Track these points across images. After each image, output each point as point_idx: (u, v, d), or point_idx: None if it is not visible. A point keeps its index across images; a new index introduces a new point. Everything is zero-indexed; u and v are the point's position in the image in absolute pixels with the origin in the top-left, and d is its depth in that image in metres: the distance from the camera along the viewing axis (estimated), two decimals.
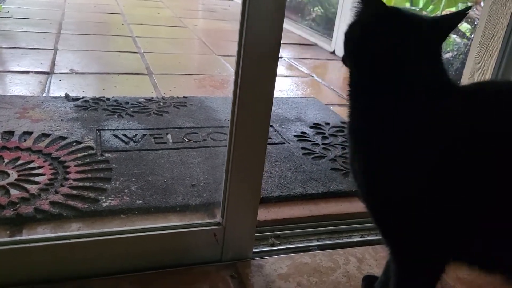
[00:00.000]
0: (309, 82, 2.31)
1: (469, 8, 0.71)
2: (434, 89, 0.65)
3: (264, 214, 1.14)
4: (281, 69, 2.52)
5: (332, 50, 2.98)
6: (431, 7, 2.87)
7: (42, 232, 0.98)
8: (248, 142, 0.90)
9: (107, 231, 0.90)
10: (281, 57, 2.75)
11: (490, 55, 1.14)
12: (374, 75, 0.68)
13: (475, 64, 1.20)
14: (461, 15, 0.68)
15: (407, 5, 2.96)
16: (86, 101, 1.68)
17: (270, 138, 1.55)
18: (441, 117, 0.64)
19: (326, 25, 3.38)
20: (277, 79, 2.30)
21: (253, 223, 0.97)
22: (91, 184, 1.16)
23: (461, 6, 2.44)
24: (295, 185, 1.26)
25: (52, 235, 0.92)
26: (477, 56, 1.18)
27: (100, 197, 1.10)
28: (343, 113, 1.87)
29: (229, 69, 2.32)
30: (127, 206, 1.09)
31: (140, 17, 3.49)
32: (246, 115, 0.88)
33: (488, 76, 1.15)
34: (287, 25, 3.69)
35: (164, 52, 2.54)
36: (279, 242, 1.07)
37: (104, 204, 1.08)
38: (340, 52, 2.91)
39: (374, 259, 1.02)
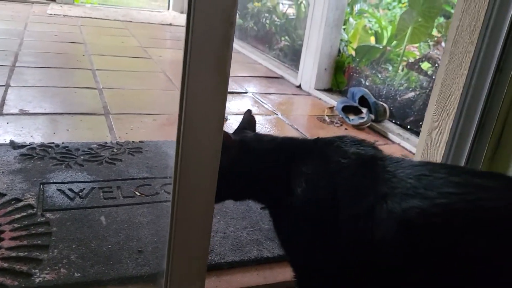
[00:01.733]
0: (273, 120, 2.26)
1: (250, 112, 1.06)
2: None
3: (215, 283, 1.06)
4: (246, 105, 2.46)
5: (298, 84, 2.96)
6: (394, 42, 2.89)
7: None
8: (194, 199, 0.82)
9: None
10: (247, 92, 2.71)
11: (447, 114, 1.12)
12: None
13: (432, 122, 1.17)
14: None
15: (372, 40, 2.98)
16: (32, 148, 1.58)
17: None
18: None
19: (293, 57, 3.36)
20: (241, 118, 2.21)
21: None
22: (26, 253, 1.06)
23: (422, 45, 2.46)
24: (250, 247, 1.19)
25: None
26: (435, 114, 1.15)
27: (34, 270, 1.00)
28: None
29: None
30: (64, 281, 0.99)
31: (103, 47, 3.40)
32: (192, 164, 0.79)
33: (445, 135, 1.12)
34: (255, 56, 3.67)
35: (124, 88, 2.46)
36: None
37: (37, 280, 0.98)
38: (306, 86, 2.89)
39: None
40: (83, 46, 3.30)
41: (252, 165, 0.90)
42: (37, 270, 1.01)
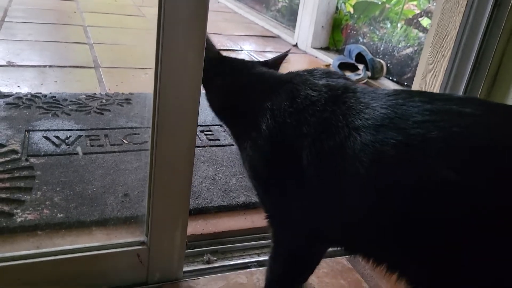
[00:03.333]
0: None
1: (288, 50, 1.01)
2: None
3: (202, 226, 1.05)
4: None
5: (294, 43, 2.89)
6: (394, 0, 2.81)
7: None
8: (173, 145, 0.79)
9: (9, 255, 0.78)
10: (242, 50, 2.65)
11: (443, 55, 1.07)
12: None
13: (427, 65, 1.13)
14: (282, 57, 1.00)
15: None
16: (19, 97, 1.54)
17: (218, 140, 1.45)
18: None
19: (290, 17, 3.28)
20: None
21: (182, 240, 0.87)
22: (8, 195, 1.04)
23: (422, 1, 2.39)
24: (238, 193, 1.17)
25: None
26: (430, 56, 1.11)
27: (15, 210, 0.99)
28: None
29: None
30: (46, 221, 0.97)
31: (95, 4, 3.31)
32: (169, 113, 0.76)
33: (440, 78, 1.08)
34: (251, 16, 3.58)
35: (115, 43, 2.40)
36: (215, 259, 0.98)
37: (18, 219, 0.96)
38: (303, 45, 2.83)
39: (316, 276, 0.94)
40: (75, 4, 3.22)
41: (228, 89, 0.86)
42: (19, 211, 0.99)
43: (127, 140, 1.37)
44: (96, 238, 0.96)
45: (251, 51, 2.65)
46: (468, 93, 1.04)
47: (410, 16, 2.54)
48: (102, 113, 1.52)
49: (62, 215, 1.00)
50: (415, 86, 1.16)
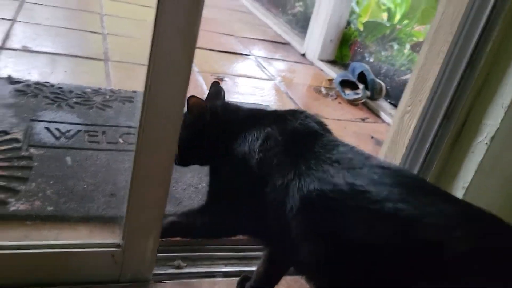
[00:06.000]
0: (270, 87, 2.29)
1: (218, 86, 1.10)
2: None
3: None
4: (246, 68, 2.49)
5: (303, 52, 2.96)
6: (405, 21, 2.86)
7: None
8: (154, 151, 0.88)
9: None
10: (250, 55, 2.72)
11: (420, 100, 1.15)
12: None
13: (406, 106, 1.20)
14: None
15: (385, 16, 2.95)
16: (28, 85, 1.64)
17: None
18: None
19: (304, 23, 3.32)
20: (240, 79, 2.32)
21: (155, 245, 0.96)
22: (5, 183, 1.13)
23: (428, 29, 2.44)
24: None
25: None
26: (410, 98, 1.18)
27: (10, 199, 1.08)
28: None
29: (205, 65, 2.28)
30: (36, 212, 1.07)
31: None
32: (155, 117, 0.85)
33: (415, 120, 1.16)
34: (266, 18, 3.64)
35: (127, 36, 2.48)
36: (185, 265, 1.07)
37: (11, 208, 1.06)
38: (310, 55, 2.89)
39: None
40: None
41: (215, 132, 0.96)
42: (13, 200, 1.08)
43: (122, 140, 1.46)
44: (79, 234, 1.05)
45: (259, 57, 2.72)
46: (438, 138, 1.11)
47: (421, 39, 2.60)
48: (103, 109, 1.61)
49: (51, 208, 1.09)
50: (393, 127, 1.23)
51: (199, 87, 2.04)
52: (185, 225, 1.00)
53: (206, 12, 0.79)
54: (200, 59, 2.39)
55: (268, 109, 1.04)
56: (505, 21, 0.98)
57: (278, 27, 3.42)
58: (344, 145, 0.82)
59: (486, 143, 0.99)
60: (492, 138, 0.97)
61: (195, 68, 2.26)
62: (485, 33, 0.98)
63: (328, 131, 0.91)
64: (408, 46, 2.72)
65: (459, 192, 1.03)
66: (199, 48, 2.54)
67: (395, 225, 0.66)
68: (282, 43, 3.13)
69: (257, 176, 0.83)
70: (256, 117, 0.95)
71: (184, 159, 1.00)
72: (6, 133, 1.33)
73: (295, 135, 0.85)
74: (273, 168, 0.81)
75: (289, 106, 2.08)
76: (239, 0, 4.12)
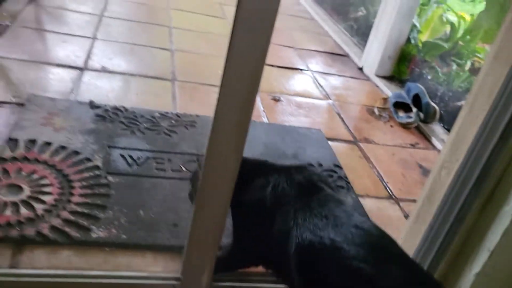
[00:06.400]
0: (324, 108, 2.39)
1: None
2: None
3: None
4: (302, 85, 2.60)
5: (360, 66, 3.01)
6: (468, 37, 2.83)
7: (38, 257, 1.18)
8: (216, 188, 1.01)
9: (62, 273, 1.09)
10: (307, 70, 2.83)
11: (457, 159, 1.23)
12: None
13: (444, 161, 1.28)
14: None
15: (448, 29, 2.92)
16: (106, 110, 1.86)
17: None
18: None
19: (365, 30, 3.30)
20: (295, 99, 2.49)
21: (209, 277, 1.14)
22: (89, 211, 1.35)
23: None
24: None
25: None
26: (446, 156, 1.27)
27: (92, 226, 1.30)
28: (340, 152, 1.98)
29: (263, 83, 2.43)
30: (113, 240, 1.28)
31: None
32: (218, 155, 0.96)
33: (451, 177, 1.24)
34: (326, 25, 3.70)
35: (194, 52, 2.67)
36: None
37: (94, 235, 1.27)
38: (367, 70, 2.94)
39: None
40: None
41: None
42: (94, 227, 1.30)
43: (184, 167, 1.64)
44: (146, 260, 1.25)
45: (315, 71, 2.81)
46: (470, 198, 1.19)
47: (482, 61, 2.58)
48: (170, 135, 1.80)
49: (125, 236, 1.30)
50: (430, 179, 1.31)
51: (255, 109, 2.18)
52: (225, 259, 1.21)
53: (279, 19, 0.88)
54: (271, 82, 2.53)
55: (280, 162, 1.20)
56: None
57: (338, 36, 3.48)
58: (335, 201, 1.06)
59: None
60: None
61: None
62: None
63: (327, 184, 1.13)
64: (469, 64, 2.70)
65: (484, 254, 1.12)
66: (274, 65, 2.68)
67: (358, 281, 0.90)
68: (340, 55, 3.20)
69: (268, 218, 1.07)
70: (265, 170, 1.14)
71: None
72: (89, 160, 1.56)
73: (298, 188, 1.08)
74: (278, 215, 1.05)
75: (339, 129, 2.19)
76: (301, 5, 4.20)
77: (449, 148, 1.27)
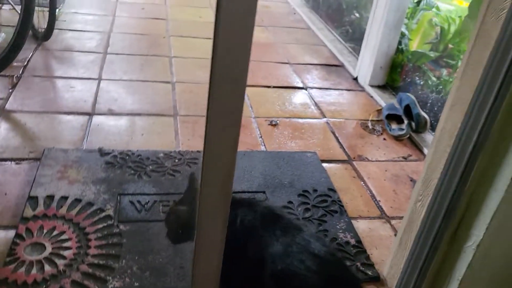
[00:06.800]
0: (319, 127, 2.52)
1: None
2: None
3: None
4: (299, 105, 2.72)
5: (355, 76, 3.12)
6: (458, 39, 2.91)
7: None
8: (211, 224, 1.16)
9: None
10: (304, 88, 2.94)
11: (428, 194, 1.35)
12: None
13: (418, 195, 1.41)
14: None
15: (438, 30, 3.00)
16: (115, 156, 2.03)
17: None
18: None
19: (359, 35, 3.37)
20: (291, 122, 2.68)
21: None
22: (104, 262, 1.52)
23: None
24: None
25: None
26: (420, 189, 1.39)
27: (108, 277, 1.47)
28: (335, 174, 2.11)
29: (260, 107, 2.57)
30: None
31: (183, 24, 3.73)
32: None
33: (424, 209, 1.37)
34: (321, 34, 3.80)
35: (194, 82, 2.81)
36: None
37: (110, 286, 1.44)
38: (362, 80, 3.05)
39: None
40: (165, 24, 3.66)
41: None
42: (110, 277, 1.47)
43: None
44: None
45: (311, 88, 2.93)
46: (440, 232, 1.32)
47: None
48: (174, 175, 1.96)
49: (137, 284, 1.46)
50: (407, 212, 1.44)
51: (252, 135, 2.32)
52: None
53: (264, 35, 0.95)
54: (257, 99, 2.68)
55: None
56: (489, 147, 1.16)
57: (333, 45, 3.58)
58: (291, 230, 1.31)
59: (473, 248, 1.18)
60: (478, 245, 1.17)
61: (252, 113, 2.55)
62: (472, 156, 1.17)
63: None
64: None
65: (455, 283, 1.25)
66: (256, 86, 2.83)
67: None
68: (336, 66, 3.30)
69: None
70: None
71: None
72: (102, 210, 1.73)
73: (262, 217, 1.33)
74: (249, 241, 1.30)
75: (334, 149, 2.31)
76: (297, 14, 4.29)
77: (422, 182, 1.40)
